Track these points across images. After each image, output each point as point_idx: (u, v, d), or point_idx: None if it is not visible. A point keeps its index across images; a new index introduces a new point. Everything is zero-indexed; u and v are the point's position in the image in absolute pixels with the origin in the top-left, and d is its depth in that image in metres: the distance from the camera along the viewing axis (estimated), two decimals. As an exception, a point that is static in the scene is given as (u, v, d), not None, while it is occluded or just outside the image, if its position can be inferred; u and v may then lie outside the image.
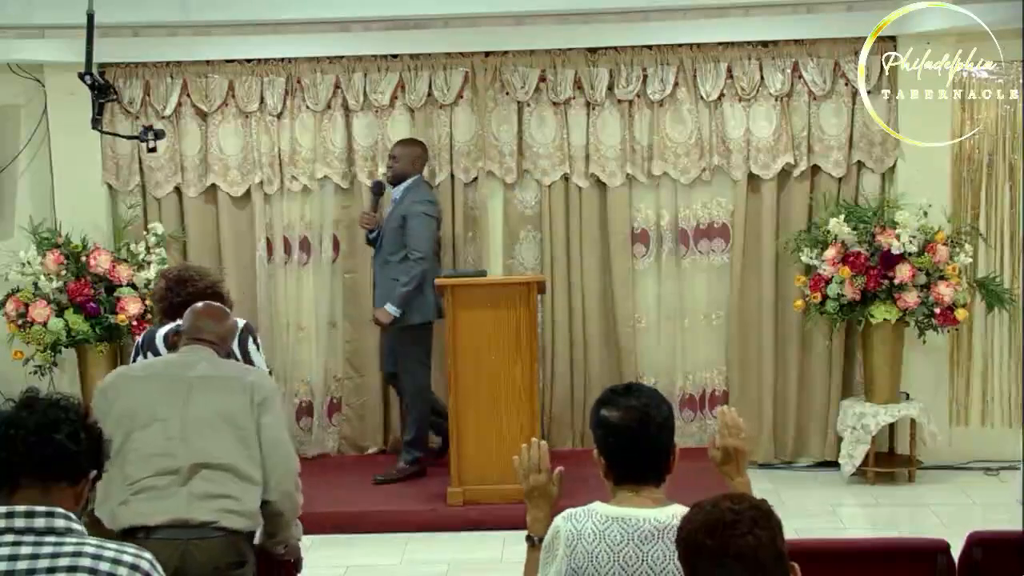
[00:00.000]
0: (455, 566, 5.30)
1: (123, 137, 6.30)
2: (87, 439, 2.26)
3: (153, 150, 5.54)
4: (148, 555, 2.23)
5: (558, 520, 2.62)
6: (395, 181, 6.26)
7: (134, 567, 2.18)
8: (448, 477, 5.80)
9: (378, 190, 6.34)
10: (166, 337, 3.99)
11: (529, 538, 2.74)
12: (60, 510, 2.19)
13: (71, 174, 6.61)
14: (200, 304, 3.63)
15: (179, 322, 3.99)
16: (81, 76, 5.05)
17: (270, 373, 4.18)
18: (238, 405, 3.28)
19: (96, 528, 3.12)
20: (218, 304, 3.72)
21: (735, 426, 2.87)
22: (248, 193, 6.73)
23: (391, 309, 6.07)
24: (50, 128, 6.60)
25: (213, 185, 6.73)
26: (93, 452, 2.29)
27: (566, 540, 2.55)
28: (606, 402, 2.68)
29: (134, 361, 4.00)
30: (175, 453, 3.16)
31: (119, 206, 6.72)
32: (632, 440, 2.60)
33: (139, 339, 4.12)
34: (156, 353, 3.96)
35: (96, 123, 5.23)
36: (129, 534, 3.08)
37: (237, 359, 3.98)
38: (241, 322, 4.10)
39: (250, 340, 4.04)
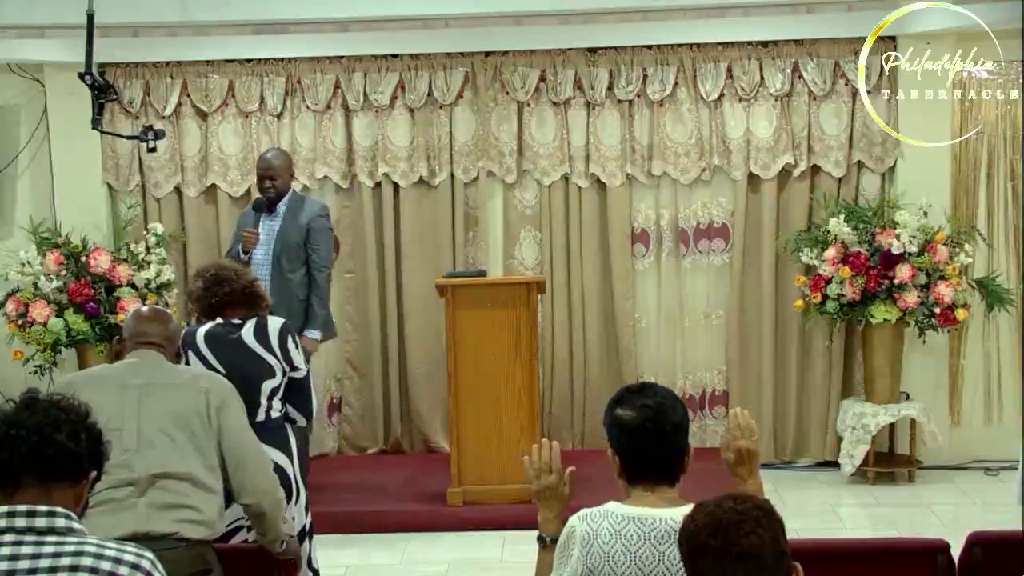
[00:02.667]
0: (455, 566, 5.30)
1: (123, 137, 6.31)
2: (87, 439, 2.26)
3: (153, 150, 5.55)
4: (149, 555, 2.23)
5: (573, 520, 2.60)
6: (279, 197, 5.86)
7: (135, 567, 2.18)
8: (448, 477, 5.80)
9: (262, 208, 5.90)
10: (207, 337, 3.96)
11: (540, 538, 2.73)
12: (61, 510, 2.19)
13: (71, 174, 6.62)
14: (144, 308, 3.59)
15: (219, 321, 4.00)
16: (81, 76, 5.05)
17: (308, 371, 4.16)
18: (192, 412, 3.23)
19: None
20: (161, 309, 3.68)
21: (748, 428, 2.86)
22: (248, 193, 6.72)
23: (315, 335, 5.86)
24: (50, 128, 6.61)
25: (213, 185, 6.74)
26: (94, 452, 2.29)
27: (582, 540, 2.54)
28: (620, 401, 2.66)
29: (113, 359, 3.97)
30: (131, 464, 3.11)
31: (119, 206, 6.72)
32: (646, 440, 2.59)
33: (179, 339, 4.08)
34: (198, 353, 3.92)
35: (96, 123, 5.23)
36: None
37: (277, 358, 3.98)
38: (280, 321, 4.09)
39: (289, 339, 4.02)
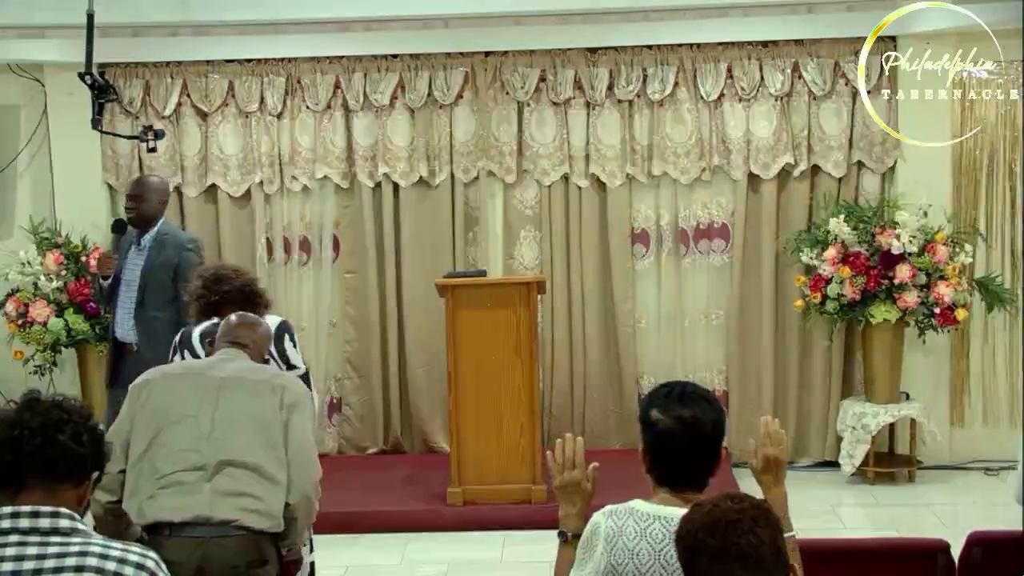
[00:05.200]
0: (455, 566, 5.30)
1: (123, 137, 6.32)
2: (90, 440, 2.27)
3: (153, 150, 5.55)
4: (153, 555, 2.24)
5: (598, 516, 2.59)
6: (141, 223, 5.37)
7: (140, 566, 2.18)
8: (448, 477, 5.80)
9: (121, 230, 5.46)
10: (202, 336, 4.00)
11: (561, 533, 2.71)
12: (65, 511, 2.19)
13: (71, 174, 6.62)
14: (233, 316, 3.66)
15: (215, 320, 4.01)
16: (81, 76, 5.06)
17: (307, 370, 4.19)
18: (267, 407, 3.28)
19: (120, 522, 3.15)
20: (252, 315, 3.73)
21: (776, 436, 2.84)
22: (248, 193, 6.73)
23: None
24: (50, 128, 6.61)
25: (213, 185, 6.74)
26: (96, 453, 2.29)
27: (607, 536, 2.53)
28: (657, 403, 2.61)
29: (171, 361, 4.01)
30: (203, 450, 3.17)
31: (119, 206, 6.71)
32: (678, 450, 2.56)
33: (176, 338, 4.10)
34: (192, 352, 3.97)
35: (96, 123, 5.23)
36: (154, 529, 3.11)
37: (273, 357, 4.00)
38: (278, 319, 4.12)
39: (286, 337, 4.06)
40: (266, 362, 3.61)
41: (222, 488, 3.14)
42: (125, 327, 5.34)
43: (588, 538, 2.59)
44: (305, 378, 4.12)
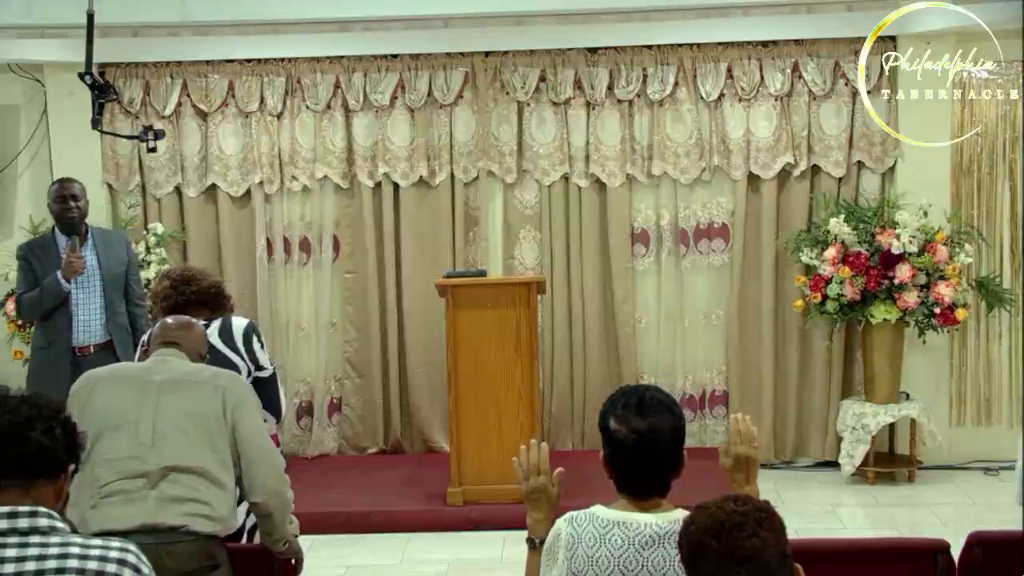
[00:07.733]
0: (455, 566, 5.30)
1: (123, 137, 6.31)
2: (62, 433, 2.25)
3: (153, 150, 5.54)
4: (133, 547, 2.24)
5: (559, 523, 2.59)
6: (80, 223, 5.41)
7: (121, 561, 2.18)
8: (448, 477, 5.80)
9: (76, 232, 5.38)
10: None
11: (530, 540, 2.71)
12: (43, 509, 2.18)
13: (71, 174, 6.56)
14: (169, 318, 3.62)
15: None
16: (81, 76, 5.05)
17: (275, 370, 4.18)
18: (209, 408, 3.24)
19: None
20: (186, 317, 3.70)
21: (748, 434, 2.83)
22: (248, 193, 6.73)
23: None
24: (50, 128, 6.61)
25: (213, 185, 6.74)
26: (69, 445, 2.27)
27: (566, 543, 2.53)
28: (615, 413, 2.59)
29: (140, 359, 4.01)
30: (144, 456, 3.13)
31: (119, 206, 6.72)
32: (637, 460, 2.56)
33: (144, 337, 4.11)
34: None
35: (96, 123, 5.22)
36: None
37: (242, 357, 3.99)
38: (244, 321, 4.12)
39: (254, 338, 4.06)
40: (203, 360, 3.57)
41: (168, 495, 3.10)
42: (91, 330, 5.39)
43: (551, 544, 2.59)
44: (272, 379, 4.14)
